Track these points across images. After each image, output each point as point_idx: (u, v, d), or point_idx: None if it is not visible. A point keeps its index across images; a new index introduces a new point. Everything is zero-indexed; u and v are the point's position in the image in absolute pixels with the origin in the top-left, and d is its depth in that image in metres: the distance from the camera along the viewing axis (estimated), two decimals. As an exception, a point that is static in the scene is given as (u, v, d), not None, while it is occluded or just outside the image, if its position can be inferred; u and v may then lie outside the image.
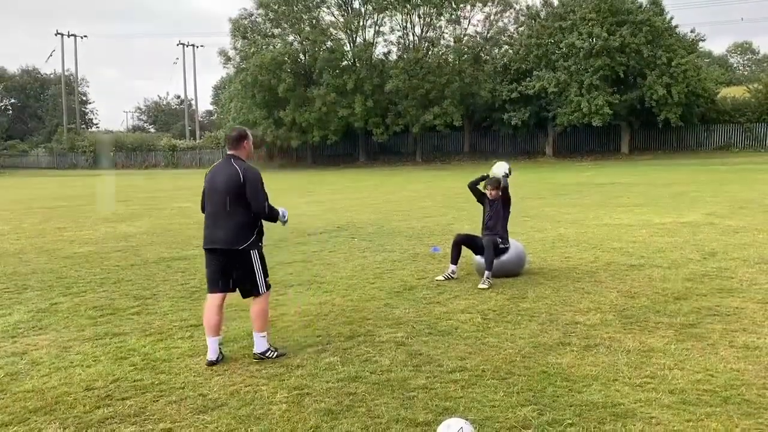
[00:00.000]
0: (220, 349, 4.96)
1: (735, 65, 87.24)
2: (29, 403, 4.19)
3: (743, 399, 3.96)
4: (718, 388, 4.14)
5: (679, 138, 41.61)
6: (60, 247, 10.83)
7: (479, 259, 7.63)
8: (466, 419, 3.59)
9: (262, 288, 4.97)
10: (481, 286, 7.09)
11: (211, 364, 4.82)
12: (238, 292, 5.09)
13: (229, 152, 5.01)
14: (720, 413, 3.77)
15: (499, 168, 7.87)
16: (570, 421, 3.71)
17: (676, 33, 40.22)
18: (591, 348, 4.96)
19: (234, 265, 4.91)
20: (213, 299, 4.97)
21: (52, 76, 79.07)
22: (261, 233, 5.03)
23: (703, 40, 42.63)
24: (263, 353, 4.93)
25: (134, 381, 4.53)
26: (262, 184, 4.94)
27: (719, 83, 44.92)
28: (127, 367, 4.80)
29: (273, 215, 5.02)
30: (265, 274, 5.01)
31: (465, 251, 7.91)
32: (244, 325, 5.80)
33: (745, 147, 39.96)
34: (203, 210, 5.09)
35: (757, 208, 13.64)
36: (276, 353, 4.96)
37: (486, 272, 7.24)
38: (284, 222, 5.21)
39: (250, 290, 4.99)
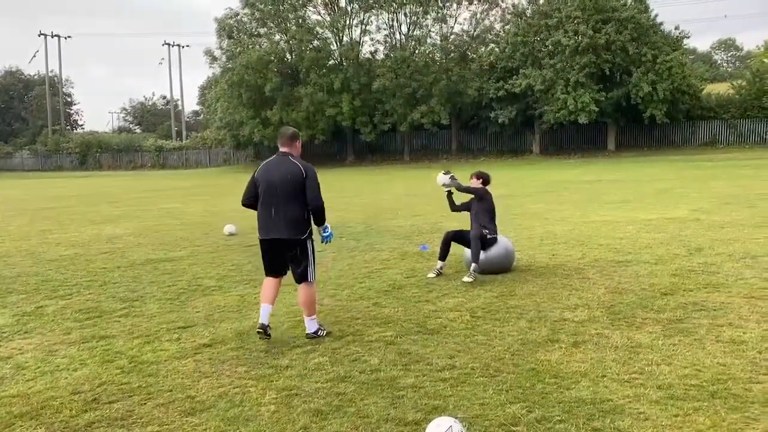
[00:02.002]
0: (269, 325, 5.29)
1: (719, 62, 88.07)
2: (14, 408, 4.14)
3: (730, 393, 3.99)
4: (705, 382, 4.16)
5: (664, 135, 41.90)
6: (45, 250, 10.73)
7: (470, 255, 7.66)
8: (456, 418, 3.59)
9: (312, 276, 5.37)
10: (465, 279, 7.13)
11: (262, 328, 5.22)
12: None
13: (283, 149, 5.42)
14: (707, 408, 3.80)
15: (441, 179, 7.87)
16: (559, 418, 3.72)
17: (660, 30, 40.48)
18: (579, 344, 4.98)
19: (291, 254, 5.32)
20: (270, 280, 5.44)
21: (36, 77, 78.36)
22: (323, 221, 5.45)
23: (688, 37, 43.06)
24: (315, 332, 5.34)
25: (121, 384, 4.49)
26: (316, 176, 5.32)
27: (704, 80, 45.26)
28: (114, 370, 4.76)
29: (324, 215, 5.40)
30: (314, 264, 5.42)
31: (454, 249, 7.93)
32: (232, 326, 5.78)
33: (730, 143, 40.30)
34: (245, 203, 5.48)
35: (743, 203, 13.77)
36: (325, 331, 5.40)
37: (473, 265, 7.26)
38: (325, 236, 5.51)
39: (301, 277, 5.36)
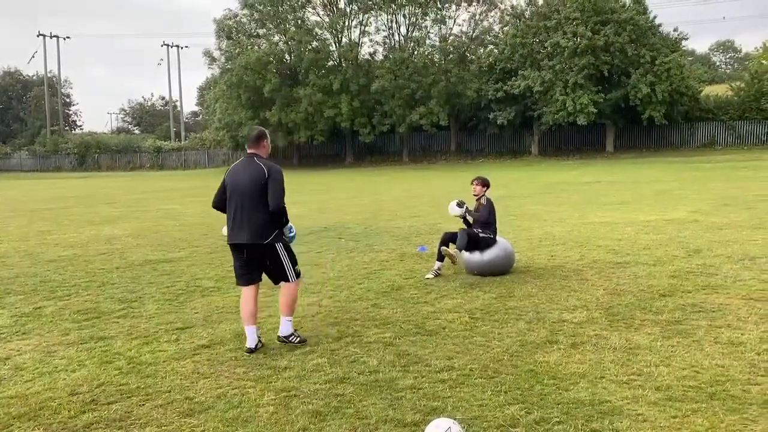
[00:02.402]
0: (258, 337, 5.18)
1: (717, 63, 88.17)
2: (12, 409, 4.13)
3: (728, 395, 3.99)
4: (703, 384, 4.17)
5: (663, 136, 41.93)
6: (44, 251, 10.72)
7: (467, 256, 7.71)
8: (455, 419, 3.59)
9: (291, 276, 5.22)
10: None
11: (251, 351, 5.06)
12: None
13: (250, 150, 5.22)
14: (705, 409, 3.80)
15: (452, 210, 7.92)
16: (557, 419, 3.72)
17: (659, 32, 40.54)
18: (578, 346, 4.98)
19: (261, 258, 5.15)
20: (246, 291, 5.23)
21: (34, 77, 78.32)
22: (284, 223, 5.21)
23: (686, 39, 43.05)
24: (287, 336, 5.18)
25: (120, 385, 4.48)
26: (282, 178, 5.13)
27: (702, 81, 45.30)
28: (113, 371, 4.76)
29: (283, 217, 5.18)
30: (293, 263, 5.24)
31: (452, 250, 7.94)
32: (231, 327, 5.77)
33: (728, 144, 40.35)
34: (215, 205, 5.33)
35: (741, 205, 13.78)
36: (299, 339, 5.21)
37: (455, 249, 7.60)
38: (290, 237, 5.35)
39: (278, 278, 5.25)
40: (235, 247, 5.19)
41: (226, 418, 3.90)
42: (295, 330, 5.28)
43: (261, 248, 5.10)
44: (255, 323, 5.18)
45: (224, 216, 5.29)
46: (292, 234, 5.38)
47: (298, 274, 5.28)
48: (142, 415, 3.99)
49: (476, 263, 7.58)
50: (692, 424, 3.62)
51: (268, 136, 5.38)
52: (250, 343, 5.11)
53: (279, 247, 5.15)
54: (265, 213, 5.05)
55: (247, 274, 5.22)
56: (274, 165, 5.15)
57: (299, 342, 5.19)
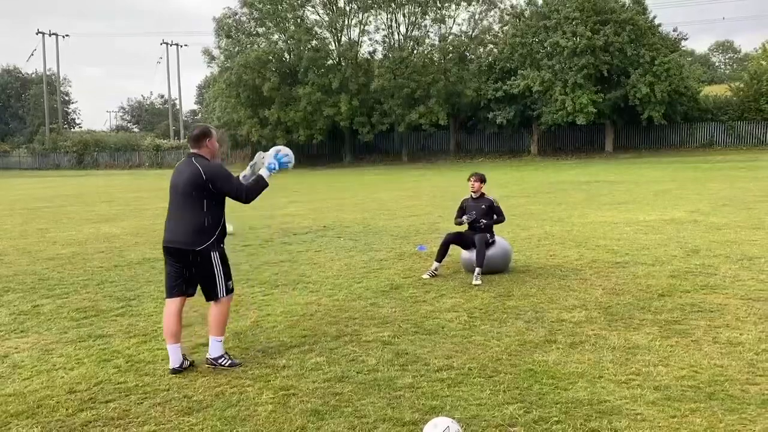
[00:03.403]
0: (184, 355, 4.77)
1: (717, 64, 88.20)
2: (10, 407, 4.13)
3: (727, 395, 3.99)
4: (702, 384, 4.17)
5: (662, 136, 41.96)
6: (42, 249, 10.71)
7: (466, 255, 7.70)
8: (453, 418, 3.59)
9: (222, 292, 4.75)
10: (475, 282, 7.17)
11: (175, 372, 4.62)
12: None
13: (191, 151, 4.80)
14: (704, 409, 3.80)
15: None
16: (556, 419, 3.72)
17: (658, 32, 40.54)
18: (576, 345, 4.98)
19: (192, 267, 4.71)
20: (170, 305, 4.75)
21: (33, 75, 78.16)
22: (223, 234, 4.81)
23: (686, 39, 43.24)
24: (216, 359, 4.72)
25: (118, 383, 4.48)
26: (228, 172, 4.73)
27: (701, 82, 45.36)
28: (111, 370, 4.75)
29: (257, 190, 4.76)
30: (227, 278, 4.78)
31: (452, 250, 7.94)
32: (229, 326, 5.75)
33: (727, 145, 40.38)
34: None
35: (740, 205, 13.79)
36: (230, 362, 4.72)
37: (477, 269, 7.30)
38: (282, 164, 4.80)
39: (210, 294, 4.79)
40: (167, 251, 4.77)
41: (224, 416, 3.90)
42: (226, 352, 4.79)
43: (193, 255, 4.64)
44: (179, 342, 4.73)
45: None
46: (273, 166, 4.81)
47: (230, 291, 4.80)
48: (141, 413, 3.98)
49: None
50: (691, 424, 3.62)
51: (214, 134, 4.86)
52: (173, 363, 4.66)
53: (214, 256, 4.67)
54: (199, 216, 4.63)
55: (175, 286, 4.75)
56: (212, 164, 4.71)
57: (230, 366, 4.67)
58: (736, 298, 6.22)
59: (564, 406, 3.89)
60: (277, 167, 4.91)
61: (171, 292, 4.78)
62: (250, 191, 4.77)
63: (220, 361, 4.72)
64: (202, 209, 4.66)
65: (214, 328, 4.79)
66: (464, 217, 7.90)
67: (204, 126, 4.94)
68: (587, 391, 4.09)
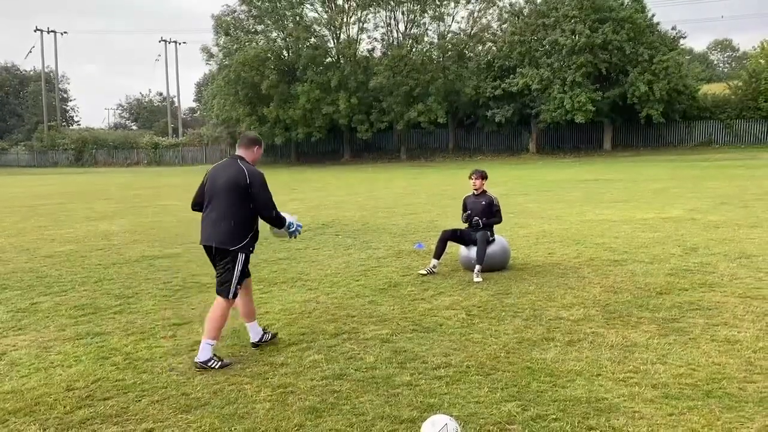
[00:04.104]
0: (263, 329, 5.19)
1: (715, 62, 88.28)
2: (8, 404, 4.12)
3: (725, 392, 4.00)
4: (700, 381, 4.17)
5: (660, 134, 42.00)
6: (40, 246, 10.70)
7: (465, 253, 7.70)
8: (451, 416, 3.59)
9: (231, 292, 4.83)
10: (476, 279, 7.18)
11: (254, 345, 5.07)
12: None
13: (238, 152, 5.01)
14: (702, 407, 3.80)
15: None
16: (554, 417, 3.72)
17: (657, 30, 40.58)
18: (574, 343, 4.99)
19: (218, 262, 4.88)
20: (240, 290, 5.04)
21: (31, 72, 78.09)
22: (255, 238, 4.97)
23: (684, 38, 43.16)
24: (205, 362, 4.67)
25: (116, 381, 4.47)
26: (266, 182, 4.93)
27: (700, 80, 45.42)
28: (109, 367, 4.75)
29: (280, 218, 5.01)
30: (239, 281, 4.87)
31: (449, 248, 7.94)
32: (228, 324, 5.75)
33: (725, 143, 40.43)
34: (194, 206, 5.08)
35: (738, 203, 13.80)
36: (219, 363, 4.68)
37: (477, 266, 7.31)
38: (291, 232, 5.12)
39: (219, 288, 4.87)
40: (206, 250, 4.96)
41: (222, 414, 3.90)
42: (214, 355, 4.76)
43: (225, 254, 4.82)
44: (254, 318, 5.14)
45: None
46: (292, 229, 5.12)
47: (236, 294, 4.88)
48: (139, 410, 3.98)
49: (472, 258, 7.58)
50: (688, 422, 3.62)
51: (263, 146, 5.18)
52: (253, 337, 5.11)
53: (240, 257, 4.83)
54: (238, 217, 4.80)
55: None
56: (255, 170, 4.88)
57: (221, 367, 4.65)
58: (733, 296, 6.23)
59: (562, 403, 3.89)
60: (295, 228, 5.17)
61: None
62: (276, 212, 4.98)
63: (209, 363, 4.67)
64: (242, 210, 4.83)
65: (209, 330, 4.77)
66: (464, 216, 7.90)
67: (256, 135, 5.21)
68: (585, 389, 4.09)
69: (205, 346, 4.73)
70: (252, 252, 4.97)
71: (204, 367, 4.67)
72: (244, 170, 4.82)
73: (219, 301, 4.86)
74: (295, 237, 5.25)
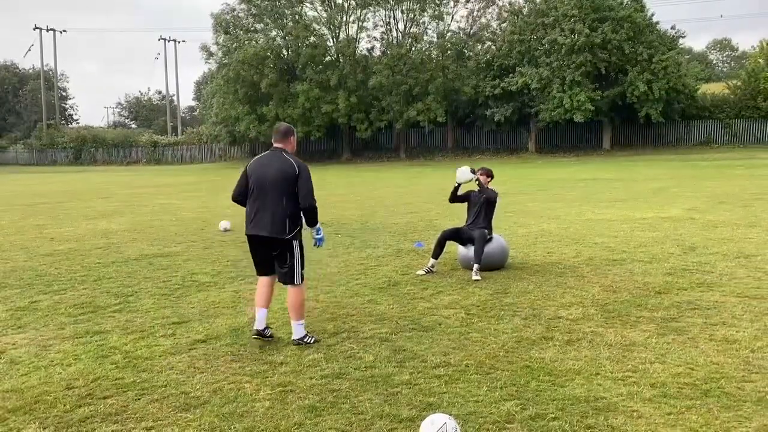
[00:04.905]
0: (267, 326, 5.25)
1: (715, 62, 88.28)
2: (8, 402, 4.13)
3: (723, 392, 4.01)
4: (698, 381, 4.18)
5: (659, 134, 41.98)
6: (39, 245, 10.69)
7: (464, 252, 7.70)
8: (450, 415, 3.60)
9: (298, 278, 5.15)
10: (474, 278, 7.19)
11: (258, 333, 5.15)
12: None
13: (277, 145, 5.23)
14: (700, 406, 3.81)
15: (463, 174, 7.84)
16: (553, 416, 3.73)
17: (656, 30, 40.52)
18: (573, 342, 5.00)
19: (276, 253, 5.12)
20: (262, 281, 5.29)
21: (30, 71, 77.97)
22: (301, 225, 5.20)
23: (684, 37, 43.10)
24: (302, 338, 5.11)
25: (115, 379, 4.48)
26: (311, 176, 5.13)
27: (699, 80, 45.37)
28: (109, 366, 4.75)
29: (316, 215, 5.20)
30: (302, 266, 5.19)
31: (448, 247, 7.94)
32: (227, 322, 5.77)
33: (724, 143, 40.43)
34: (236, 198, 5.31)
35: (737, 203, 13.82)
36: (313, 339, 5.15)
37: (475, 265, 7.30)
38: (318, 239, 5.35)
39: (287, 279, 5.16)
40: (254, 239, 5.19)
41: (221, 412, 3.90)
42: (308, 332, 5.24)
43: (279, 243, 5.07)
44: (266, 307, 5.26)
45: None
46: (320, 236, 5.36)
47: (302, 278, 5.22)
48: (138, 409, 3.99)
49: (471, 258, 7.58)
50: (687, 421, 3.63)
51: (296, 133, 5.37)
52: (258, 323, 5.18)
53: (296, 245, 5.11)
54: (289, 207, 5.04)
55: (263, 266, 5.28)
56: (303, 163, 5.15)
57: (314, 341, 5.12)
58: (732, 295, 6.24)
59: (561, 402, 3.90)
60: (321, 236, 5.43)
61: (260, 272, 5.32)
62: (316, 205, 5.16)
63: (305, 339, 5.11)
64: (292, 200, 5.06)
65: (294, 313, 5.16)
66: (469, 176, 7.81)
67: (288, 125, 5.43)
68: (584, 388, 4.11)
69: (298, 326, 5.14)
70: (302, 237, 5.20)
71: (301, 342, 5.08)
72: (292, 161, 5.09)
73: (291, 289, 5.16)
74: (317, 246, 5.46)
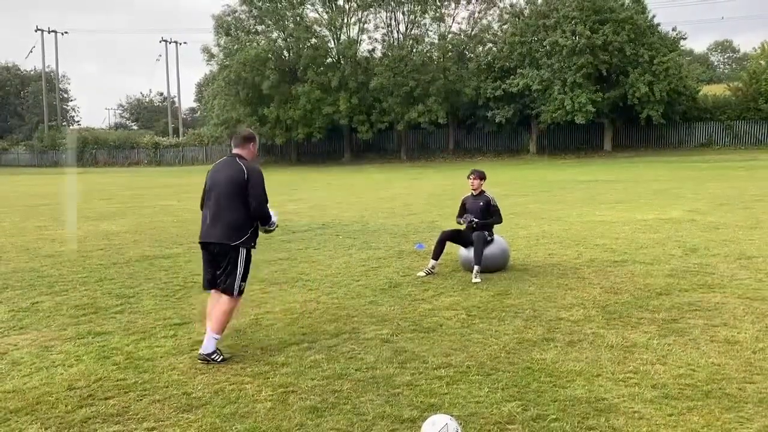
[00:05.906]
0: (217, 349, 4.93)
1: (716, 63, 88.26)
2: (10, 403, 4.13)
3: (724, 393, 4.01)
4: (699, 382, 4.18)
5: (661, 135, 41.98)
6: (41, 246, 10.70)
7: (465, 253, 7.71)
8: (451, 415, 3.60)
9: (236, 290, 4.91)
10: (475, 280, 7.18)
11: (202, 359, 4.81)
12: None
13: (234, 151, 5.11)
14: (701, 407, 3.81)
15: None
16: (554, 417, 3.73)
17: (658, 31, 40.56)
18: (575, 344, 5.00)
19: (221, 260, 4.92)
20: (214, 295, 5.04)
21: (32, 72, 78.06)
22: (255, 234, 5.06)
23: (685, 39, 43.07)
24: (209, 354, 4.77)
25: (117, 380, 4.48)
26: (263, 179, 4.99)
27: (700, 81, 45.42)
28: (110, 367, 4.76)
29: (266, 217, 5.04)
30: (243, 278, 4.95)
31: (449, 248, 7.95)
32: (228, 323, 5.76)
33: (725, 144, 40.43)
34: (202, 207, 5.12)
35: (738, 204, 13.81)
36: (222, 357, 4.79)
37: (476, 267, 7.30)
38: (269, 228, 5.17)
39: (225, 287, 4.92)
40: (205, 246, 5.01)
41: (223, 413, 3.91)
42: (218, 348, 4.84)
43: (226, 249, 4.88)
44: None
45: None
46: (273, 228, 5.18)
47: (241, 292, 4.97)
48: (140, 410, 3.99)
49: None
50: (688, 422, 3.63)
51: (258, 141, 5.20)
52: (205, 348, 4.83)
53: (242, 254, 4.91)
54: (238, 214, 4.87)
55: (211, 277, 5.02)
56: (254, 166, 4.99)
57: (222, 361, 4.74)
58: (733, 297, 6.24)
59: (562, 403, 3.90)
60: (273, 228, 5.22)
61: (206, 285, 5.12)
62: (266, 208, 5.01)
63: (213, 357, 4.78)
64: (242, 206, 4.89)
65: (215, 324, 4.88)
66: (461, 219, 7.92)
67: (250, 131, 5.28)
68: (585, 389, 4.11)
69: (211, 339, 4.82)
70: (254, 248, 5.03)
71: (207, 359, 4.74)
72: (242, 166, 4.94)
73: (224, 298, 4.92)
74: (270, 230, 5.24)
